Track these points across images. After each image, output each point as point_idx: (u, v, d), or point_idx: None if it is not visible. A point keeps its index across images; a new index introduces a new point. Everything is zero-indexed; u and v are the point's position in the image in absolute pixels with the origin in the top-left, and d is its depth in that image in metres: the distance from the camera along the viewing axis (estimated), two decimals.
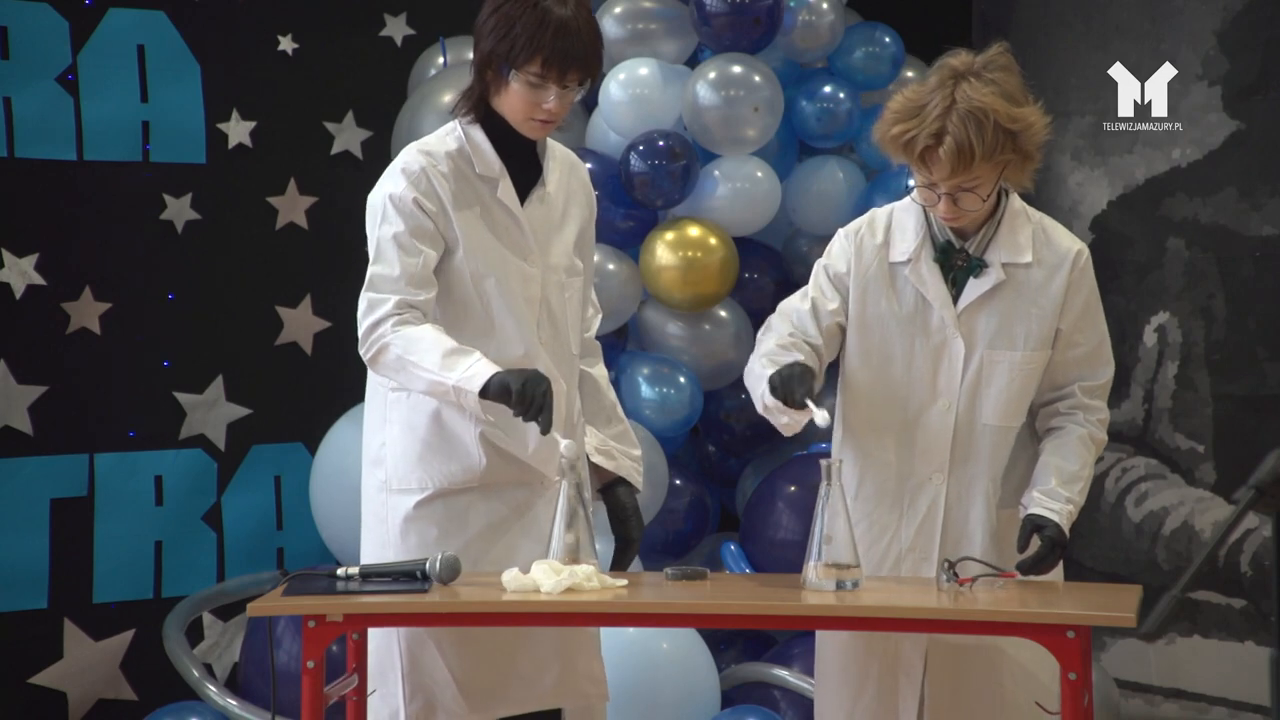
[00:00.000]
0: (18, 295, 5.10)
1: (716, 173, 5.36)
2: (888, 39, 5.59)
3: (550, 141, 3.64)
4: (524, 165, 3.60)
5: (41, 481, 5.14)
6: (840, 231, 3.63)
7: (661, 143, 5.22)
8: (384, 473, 3.61)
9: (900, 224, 3.57)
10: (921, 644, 3.55)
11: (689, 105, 5.31)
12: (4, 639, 5.09)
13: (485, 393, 3.32)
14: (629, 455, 3.72)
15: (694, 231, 5.32)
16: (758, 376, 3.47)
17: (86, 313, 5.22)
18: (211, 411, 5.42)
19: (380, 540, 3.62)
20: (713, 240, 5.32)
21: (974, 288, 3.51)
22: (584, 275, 3.71)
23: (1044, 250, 3.53)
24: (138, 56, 5.31)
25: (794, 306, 3.59)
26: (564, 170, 3.68)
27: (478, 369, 3.35)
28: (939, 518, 3.53)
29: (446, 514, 3.56)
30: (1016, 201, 3.56)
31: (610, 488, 3.68)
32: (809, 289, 3.60)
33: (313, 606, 3.26)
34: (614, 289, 5.24)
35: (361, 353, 3.51)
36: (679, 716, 4.78)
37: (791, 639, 5.12)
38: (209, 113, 5.42)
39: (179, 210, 5.37)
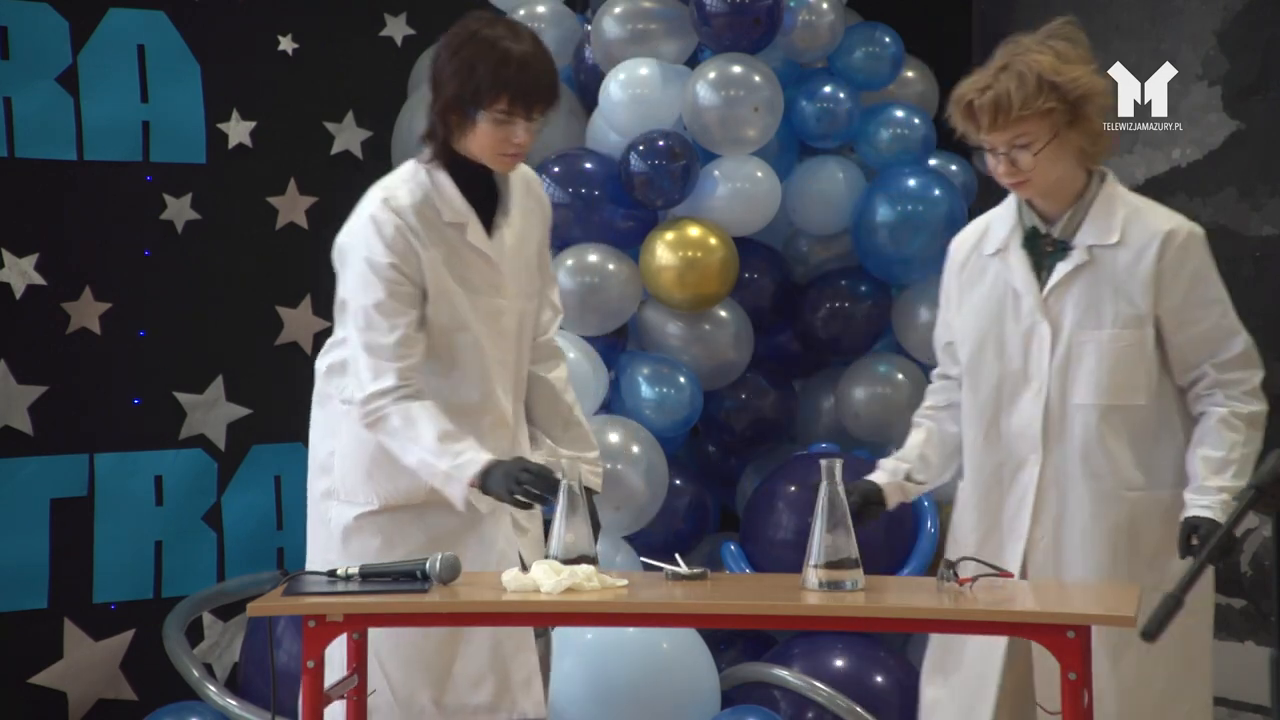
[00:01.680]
0: (18, 295, 5.10)
1: (716, 173, 5.35)
2: (888, 39, 5.58)
3: None
4: (485, 195, 3.66)
5: (41, 481, 5.13)
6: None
7: (661, 143, 5.21)
8: (330, 481, 3.69)
9: (999, 217, 3.69)
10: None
11: (689, 105, 5.30)
12: (4, 639, 5.08)
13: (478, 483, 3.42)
14: (584, 459, 3.74)
15: (694, 231, 5.31)
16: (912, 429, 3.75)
17: (86, 313, 5.21)
18: (211, 411, 5.41)
19: (324, 544, 3.70)
20: (713, 240, 5.31)
21: (1058, 271, 3.58)
22: (543, 285, 3.79)
23: (1133, 230, 3.57)
24: (138, 56, 5.31)
25: (939, 342, 3.80)
26: (521, 190, 3.73)
27: (469, 458, 3.43)
28: (1030, 498, 3.59)
29: (391, 526, 3.64)
30: (1113, 186, 3.61)
31: None
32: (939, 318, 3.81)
33: (313, 606, 3.26)
34: (614, 289, 5.23)
35: (361, 418, 3.54)
36: (679, 716, 4.77)
37: (791, 639, 5.11)
38: (209, 113, 5.42)
39: (179, 210, 5.36)
